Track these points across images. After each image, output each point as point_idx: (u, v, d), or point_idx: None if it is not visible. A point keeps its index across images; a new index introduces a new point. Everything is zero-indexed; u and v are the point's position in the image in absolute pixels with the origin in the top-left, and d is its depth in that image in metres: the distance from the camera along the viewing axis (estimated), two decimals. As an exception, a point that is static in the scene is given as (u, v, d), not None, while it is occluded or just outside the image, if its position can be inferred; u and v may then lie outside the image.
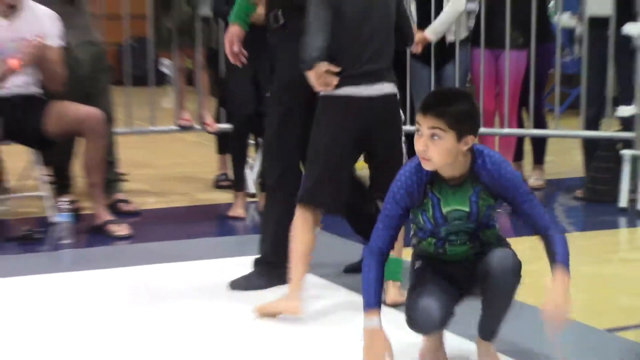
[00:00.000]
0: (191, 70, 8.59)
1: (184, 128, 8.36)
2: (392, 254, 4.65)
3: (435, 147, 3.83)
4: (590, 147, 7.86)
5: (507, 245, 4.14)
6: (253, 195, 7.65)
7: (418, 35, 7.34)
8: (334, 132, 4.94)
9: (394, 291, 5.09)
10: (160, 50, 8.68)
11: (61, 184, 7.21)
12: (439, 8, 7.70)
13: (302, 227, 5.00)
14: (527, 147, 8.48)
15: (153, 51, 8.50)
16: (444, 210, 4.00)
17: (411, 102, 7.93)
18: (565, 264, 3.88)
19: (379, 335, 3.95)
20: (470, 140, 3.87)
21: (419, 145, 3.88)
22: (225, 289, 5.48)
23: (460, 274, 4.17)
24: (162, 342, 4.76)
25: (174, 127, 8.45)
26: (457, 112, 3.90)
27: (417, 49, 7.55)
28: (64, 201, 6.64)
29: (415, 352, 4.23)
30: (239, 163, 7.49)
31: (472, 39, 7.92)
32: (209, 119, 8.13)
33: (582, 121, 7.90)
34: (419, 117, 3.94)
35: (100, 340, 4.77)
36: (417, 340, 4.19)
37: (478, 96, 8.01)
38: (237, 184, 7.48)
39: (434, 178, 3.98)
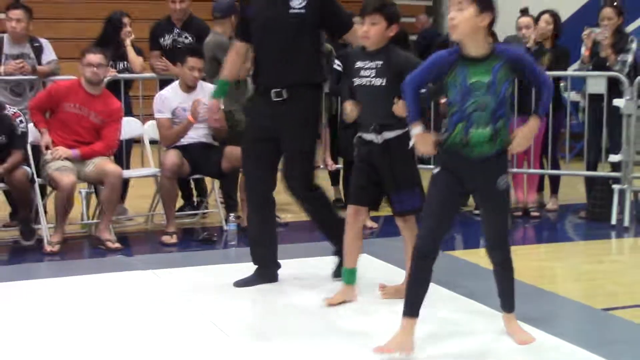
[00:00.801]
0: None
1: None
2: (349, 266, 5.03)
3: (460, 16, 3.88)
4: (590, 183, 8.07)
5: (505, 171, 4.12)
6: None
7: None
8: None
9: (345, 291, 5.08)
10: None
11: (230, 203, 7.38)
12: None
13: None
14: (546, 182, 8.57)
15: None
16: (470, 81, 3.94)
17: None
18: (540, 112, 4.10)
19: (425, 135, 4.10)
20: (488, 17, 3.90)
21: (450, 16, 3.97)
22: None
23: (469, 180, 4.11)
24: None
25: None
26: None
27: None
28: (232, 216, 7.07)
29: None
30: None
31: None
32: (329, 161, 8.34)
33: (585, 165, 8.22)
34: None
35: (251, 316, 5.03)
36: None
37: None
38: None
39: (464, 57, 3.98)
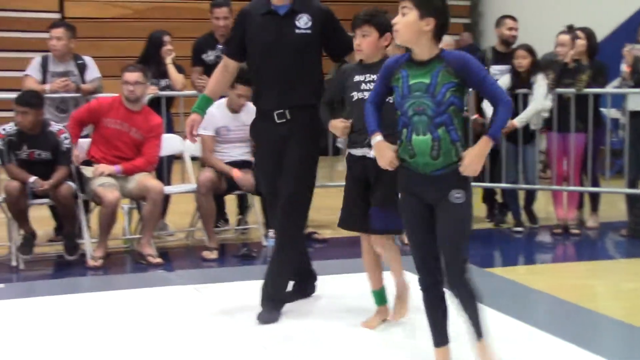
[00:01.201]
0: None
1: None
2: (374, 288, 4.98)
3: (402, 20, 3.82)
4: (632, 200, 8.03)
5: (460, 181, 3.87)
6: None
7: (509, 124, 7.63)
8: None
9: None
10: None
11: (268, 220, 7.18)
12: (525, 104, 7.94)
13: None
14: (586, 200, 8.47)
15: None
16: (410, 82, 3.85)
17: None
18: (493, 134, 3.81)
19: (381, 144, 3.96)
20: (432, 22, 3.78)
21: (393, 21, 3.90)
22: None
23: (425, 194, 3.92)
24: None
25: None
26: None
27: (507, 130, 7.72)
28: (272, 231, 6.76)
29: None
30: None
31: (548, 125, 8.08)
32: None
33: (625, 182, 8.13)
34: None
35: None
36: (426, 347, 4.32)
37: (551, 166, 8.31)
38: None
39: (409, 60, 3.90)
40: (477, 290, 4.01)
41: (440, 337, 4.08)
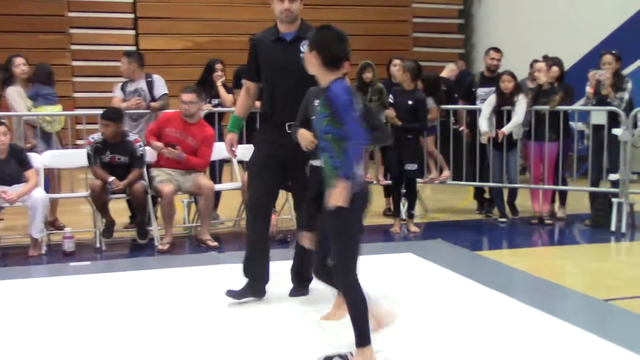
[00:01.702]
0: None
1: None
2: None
3: (306, 57, 3.69)
4: (594, 197, 7.93)
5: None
6: (403, 220, 7.66)
7: (500, 133, 7.74)
8: None
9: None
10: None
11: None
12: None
13: None
14: (557, 196, 8.32)
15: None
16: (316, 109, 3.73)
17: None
18: (343, 175, 3.48)
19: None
20: (315, 55, 3.60)
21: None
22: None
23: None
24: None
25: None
26: (313, 33, 3.73)
27: (498, 137, 7.75)
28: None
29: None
30: (397, 202, 7.66)
31: (528, 136, 7.95)
32: (381, 177, 8.37)
33: (589, 182, 8.09)
34: None
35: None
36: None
37: (529, 168, 8.20)
38: (395, 213, 7.67)
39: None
40: (362, 295, 3.68)
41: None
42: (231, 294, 4.85)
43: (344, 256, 3.66)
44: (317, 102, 3.78)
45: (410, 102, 7.42)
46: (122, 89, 7.67)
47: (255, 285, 4.88)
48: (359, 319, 3.66)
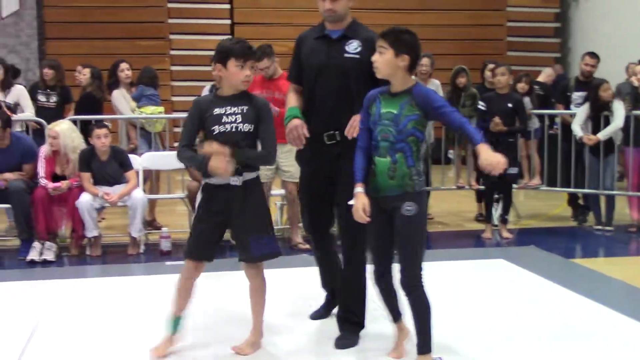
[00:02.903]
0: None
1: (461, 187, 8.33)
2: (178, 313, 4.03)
3: (380, 58, 3.66)
4: None
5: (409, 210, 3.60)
6: (495, 226, 7.58)
7: (594, 138, 7.61)
8: None
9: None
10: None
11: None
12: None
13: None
14: None
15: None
16: (382, 110, 3.68)
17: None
18: (482, 140, 3.54)
19: (361, 195, 3.67)
20: (406, 59, 3.61)
21: (372, 59, 3.69)
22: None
23: (386, 204, 3.68)
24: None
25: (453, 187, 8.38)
26: (395, 36, 3.64)
27: (591, 142, 7.65)
28: None
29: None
30: (489, 207, 7.57)
31: (626, 142, 7.82)
32: (473, 181, 8.24)
33: None
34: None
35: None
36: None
37: (628, 175, 8.03)
38: (487, 218, 7.55)
39: (385, 92, 3.72)
40: (428, 300, 3.69)
41: (394, 313, 3.95)
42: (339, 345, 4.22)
43: (418, 260, 3.68)
44: (381, 104, 3.69)
45: (509, 105, 7.40)
46: (211, 91, 7.72)
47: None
48: (424, 325, 3.68)
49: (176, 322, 4.11)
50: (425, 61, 7.91)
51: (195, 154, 3.98)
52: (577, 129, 7.85)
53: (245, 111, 3.90)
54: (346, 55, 4.14)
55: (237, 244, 4.07)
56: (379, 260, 3.81)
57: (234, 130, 3.87)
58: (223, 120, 3.88)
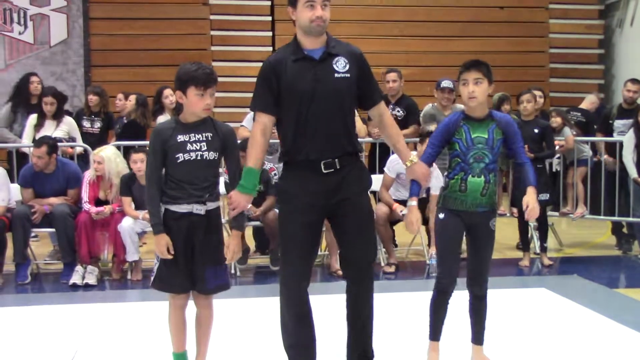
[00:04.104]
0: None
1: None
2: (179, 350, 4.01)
3: (478, 89, 3.90)
4: None
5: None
6: (537, 254, 7.50)
7: None
8: None
9: None
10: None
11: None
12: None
13: None
14: None
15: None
16: (473, 135, 3.92)
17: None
18: (534, 184, 3.96)
19: (415, 209, 3.98)
20: (492, 87, 3.98)
21: (466, 90, 3.90)
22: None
23: (467, 219, 4.00)
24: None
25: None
26: (487, 67, 3.94)
27: None
28: (434, 253, 6.59)
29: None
30: (525, 234, 7.52)
31: None
32: (514, 210, 7.92)
33: None
34: (465, 74, 3.92)
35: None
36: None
37: None
38: (524, 247, 7.50)
39: (465, 117, 3.98)
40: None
41: (439, 332, 4.18)
42: None
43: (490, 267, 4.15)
44: (470, 130, 3.98)
45: (536, 131, 7.37)
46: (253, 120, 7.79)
47: None
48: (484, 325, 4.20)
49: (182, 357, 4.08)
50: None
51: (158, 210, 3.86)
52: (631, 166, 7.69)
53: (210, 138, 3.85)
54: (337, 75, 3.80)
55: (192, 274, 3.92)
56: (451, 273, 4.06)
57: (198, 158, 3.81)
58: (188, 148, 3.81)
